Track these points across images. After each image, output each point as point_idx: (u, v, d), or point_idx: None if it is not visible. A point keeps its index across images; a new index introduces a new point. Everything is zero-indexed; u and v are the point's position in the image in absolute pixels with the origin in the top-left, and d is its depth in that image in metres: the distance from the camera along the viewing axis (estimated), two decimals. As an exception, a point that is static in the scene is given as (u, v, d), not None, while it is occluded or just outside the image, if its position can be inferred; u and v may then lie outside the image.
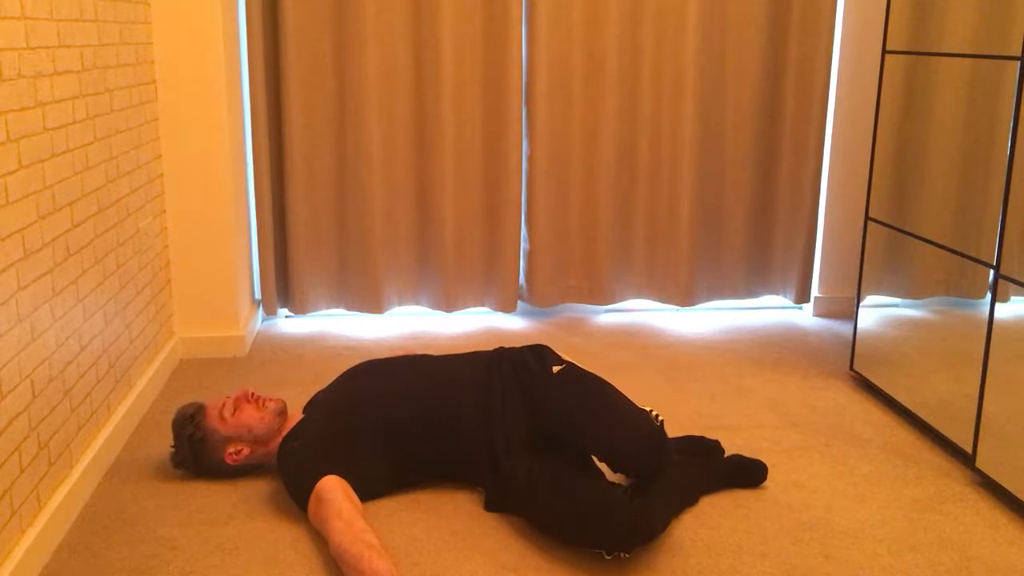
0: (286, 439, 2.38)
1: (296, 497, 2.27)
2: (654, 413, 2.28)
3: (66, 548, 2.14)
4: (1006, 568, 2.12)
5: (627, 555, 2.08)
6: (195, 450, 2.40)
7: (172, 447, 2.45)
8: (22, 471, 2.02)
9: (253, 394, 2.45)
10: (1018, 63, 2.35)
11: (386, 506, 2.34)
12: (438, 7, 3.47)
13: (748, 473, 2.47)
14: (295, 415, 2.50)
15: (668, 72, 3.66)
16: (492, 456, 2.31)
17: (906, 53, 2.84)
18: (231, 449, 2.40)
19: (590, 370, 2.42)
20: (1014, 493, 2.34)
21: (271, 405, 2.44)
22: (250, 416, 2.40)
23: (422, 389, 2.43)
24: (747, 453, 2.62)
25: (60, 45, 2.27)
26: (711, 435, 2.68)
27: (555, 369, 2.38)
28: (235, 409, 2.41)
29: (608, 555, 2.08)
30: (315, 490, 2.20)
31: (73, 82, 2.36)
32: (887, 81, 2.94)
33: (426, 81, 3.55)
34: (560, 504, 2.15)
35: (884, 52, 2.95)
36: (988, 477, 2.45)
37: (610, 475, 2.40)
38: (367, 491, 2.30)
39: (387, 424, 2.36)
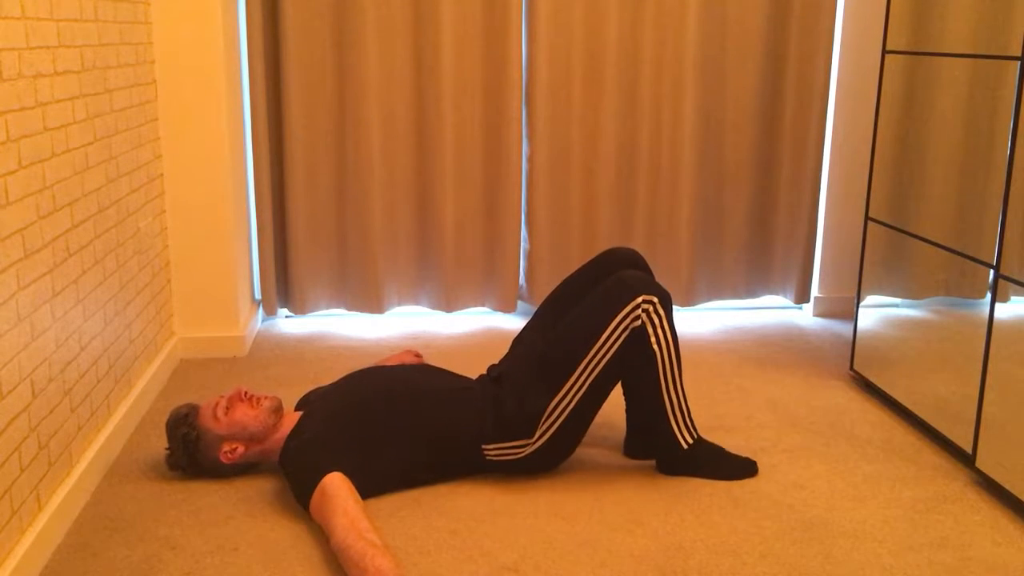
0: (291, 436, 2.38)
1: (300, 492, 2.26)
2: None
3: (66, 548, 2.14)
4: (1006, 568, 2.12)
5: (656, 311, 2.33)
6: (190, 450, 2.40)
7: (167, 449, 2.45)
8: (22, 471, 2.02)
9: (247, 392, 2.44)
10: (1018, 63, 2.35)
11: (386, 506, 2.34)
12: (438, 7, 3.47)
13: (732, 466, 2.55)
14: (290, 413, 2.50)
15: (668, 72, 3.66)
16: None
17: (906, 53, 2.84)
18: (226, 448, 2.39)
19: None
20: (1014, 493, 2.34)
21: (265, 403, 2.44)
22: (244, 414, 2.40)
23: (423, 388, 2.45)
24: (747, 453, 2.61)
25: (60, 45, 2.27)
26: (711, 435, 2.68)
27: None
28: (228, 408, 2.41)
29: (633, 304, 2.30)
30: (320, 486, 2.19)
31: (73, 82, 2.36)
32: (887, 81, 2.94)
33: (426, 81, 3.55)
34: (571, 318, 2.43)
35: (884, 52, 2.95)
36: (988, 477, 2.45)
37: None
38: (370, 489, 2.30)
39: (389, 422, 2.37)
